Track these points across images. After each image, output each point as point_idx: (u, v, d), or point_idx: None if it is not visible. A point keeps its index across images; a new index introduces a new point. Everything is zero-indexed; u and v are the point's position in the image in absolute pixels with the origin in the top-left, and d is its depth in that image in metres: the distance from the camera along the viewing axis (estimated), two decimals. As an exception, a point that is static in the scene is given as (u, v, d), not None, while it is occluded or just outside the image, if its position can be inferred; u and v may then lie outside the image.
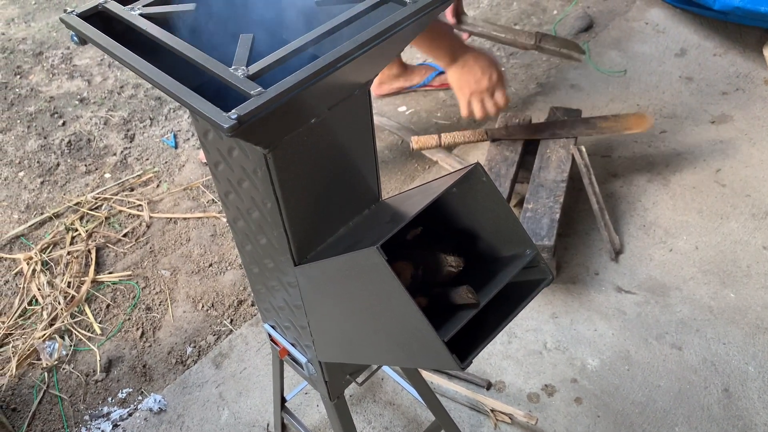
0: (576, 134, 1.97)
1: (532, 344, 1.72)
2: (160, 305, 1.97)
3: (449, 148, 2.22)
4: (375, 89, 2.57)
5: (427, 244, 0.91)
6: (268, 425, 1.61)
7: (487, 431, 1.56)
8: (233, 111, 0.64)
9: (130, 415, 1.70)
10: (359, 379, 1.22)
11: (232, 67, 0.69)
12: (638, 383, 1.63)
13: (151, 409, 1.68)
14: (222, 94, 0.71)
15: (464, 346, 0.84)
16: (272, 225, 0.91)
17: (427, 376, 1.63)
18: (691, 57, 2.57)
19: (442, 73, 2.60)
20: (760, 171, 2.10)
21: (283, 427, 1.57)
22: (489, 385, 1.63)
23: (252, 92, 0.66)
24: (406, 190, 1.01)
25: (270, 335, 1.22)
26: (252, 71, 0.69)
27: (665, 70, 2.53)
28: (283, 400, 1.48)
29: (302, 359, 1.15)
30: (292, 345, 1.17)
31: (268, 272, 1.04)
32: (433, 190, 0.83)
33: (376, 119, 2.46)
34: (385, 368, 1.54)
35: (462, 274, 0.90)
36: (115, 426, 1.68)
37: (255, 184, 0.87)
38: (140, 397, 1.74)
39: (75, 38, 0.82)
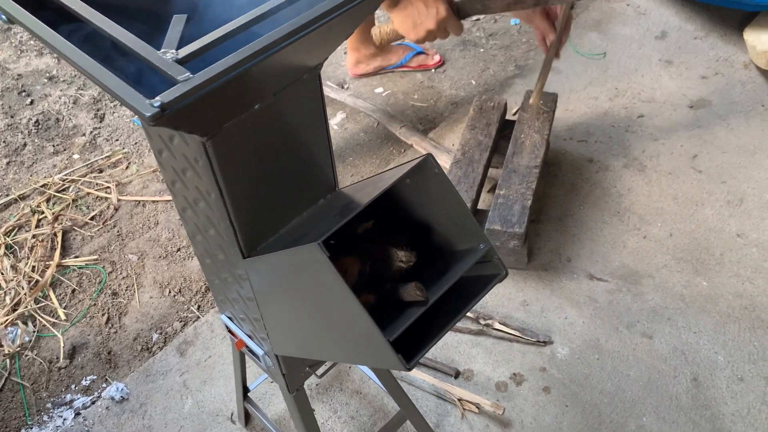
0: None
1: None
2: (126, 290, 1.93)
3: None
4: (352, 69, 2.52)
5: (381, 238, 0.88)
6: (232, 414, 1.58)
7: (454, 420, 1.54)
8: (156, 98, 0.59)
9: (93, 403, 1.66)
10: (319, 372, 1.19)
11: (161, 50, 0.65)
12: (608, 372, 1.61)
13: (113, 398, 1.64)
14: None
15: (416, 344, 0.81)
16: (218, 216, 0.87)
17: (395, 364, 1.61)
18: (672, 40, 2.53)
19: (420, 53, 2.55)
20: (737, 157, 2.08)
21: (247, 416, 1.55)
22: (457, 374, 1.61)
23: (179, 78, 0.61)
24: (362, 180, 0.97)
25: (227, 326, 1.18)
26: (182, 55, 0.64)
27: (645, 54, 2.49)
28: (246, 390, 1.45)
29: (259, 351, 1.12)
30: (249, 337, 1.14)
31: (220, 264, 1.00)
32: (383, 182, 0.80)
33: (352, 101, 2.41)
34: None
35: (418, 269, 0.86)
36: (77, 414, 1.64)
37: (198, 173, 0.83)
38: (104, 385, 1.71)
39: (2, 17, 0.77)
